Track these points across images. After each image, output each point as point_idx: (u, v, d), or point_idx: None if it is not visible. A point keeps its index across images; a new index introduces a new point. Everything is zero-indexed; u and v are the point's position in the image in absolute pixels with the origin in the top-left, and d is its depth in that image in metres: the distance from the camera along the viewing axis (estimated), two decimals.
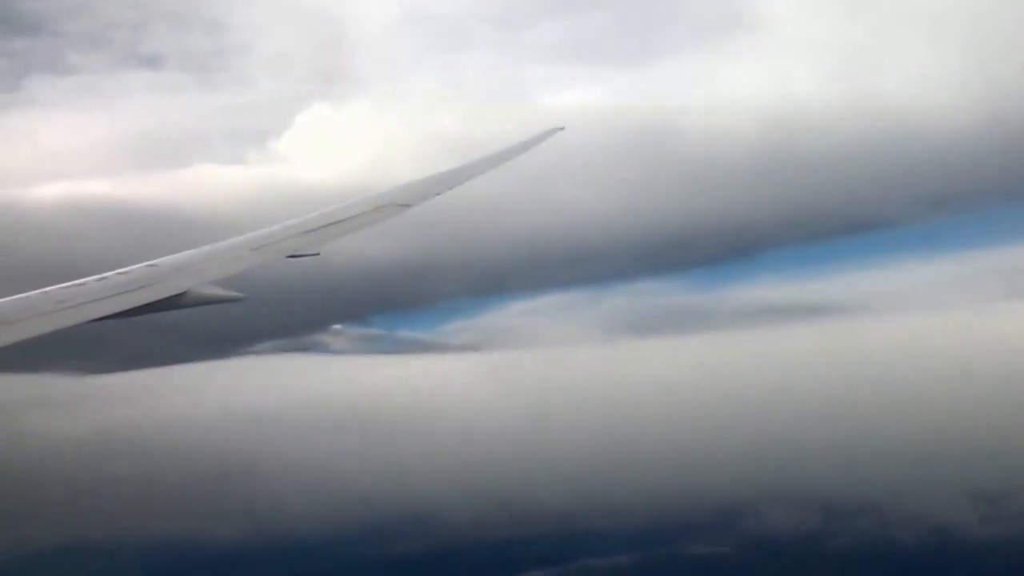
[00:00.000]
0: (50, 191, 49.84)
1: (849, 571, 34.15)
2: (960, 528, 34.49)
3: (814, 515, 36.69)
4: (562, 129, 11.99)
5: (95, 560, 34.97)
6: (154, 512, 35.37)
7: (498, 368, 47.82)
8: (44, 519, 33.86)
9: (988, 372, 39.00)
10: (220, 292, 8.33)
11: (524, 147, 11.30)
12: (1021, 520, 33.80)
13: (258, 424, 40.27)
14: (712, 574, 35.41)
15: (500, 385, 44.25)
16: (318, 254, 8.38)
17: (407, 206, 9.25)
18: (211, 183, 52.11)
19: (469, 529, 36.59)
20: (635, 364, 46.51)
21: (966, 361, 39.86)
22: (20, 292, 8.07)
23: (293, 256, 8.38)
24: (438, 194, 9.55)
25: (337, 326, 50.23)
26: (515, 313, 53.38)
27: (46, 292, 8.22)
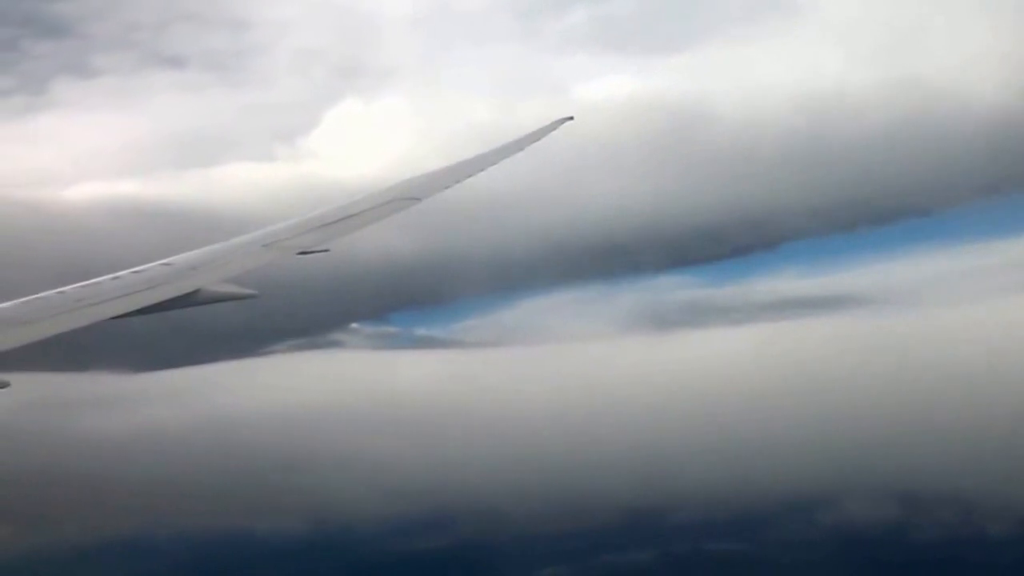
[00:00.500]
0: (81, 191, 50.41)
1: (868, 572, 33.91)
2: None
3: (833, 514, 36.50)
4: (571, 119, 11.95)
5: (137, 556, 35.52)
6: (200, 507, 35.85)
7: (518, 363, 47.80)
8: (90, 515, 34.42)
9: None
10: (233, 289, 8.41)
11: (533, 138, 11.28)
12: None
13: (297, 420, 40.65)
14: (731, 572, 35.27)
15: (520, 381, 44.23)
16: (328, 250, 8.43)
17: (417, 200, 9.28)
18: (242, 181, 52.35)
19: (487, 525, 36.65)
20: (655, 359, 46.38)
21: (1013, 348, 39.23)
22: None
23: (304, 252, 8.44)
24: (448, 187, 9.57)
25: (355, 324, 50.30)
26: (534, 309, 53.18)
27: (63, 291, 8.33)
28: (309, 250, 8.44)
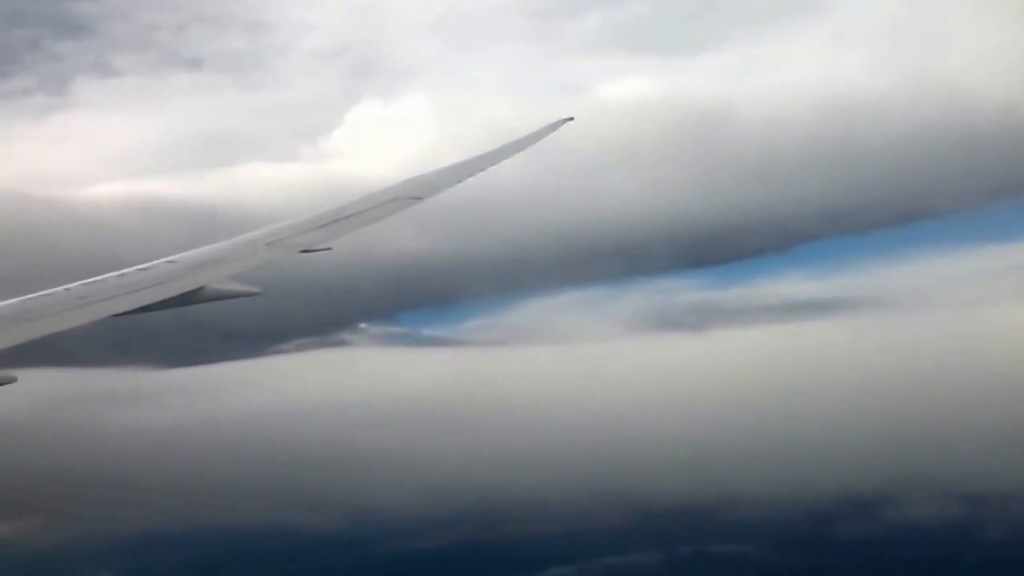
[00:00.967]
0: (104, 190, 50.91)
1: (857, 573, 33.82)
2: None
3: (839, 514, 36.39)
4: (571, 119, 11.99)
5: (150, 551, 35.81)
6: (220, 503, 36.12)
7: (525, 363, 47.82)
8: (109, 510, 34.70)
9: None
10: (237, 287, 8.47)
11: (534, 138, 11.33)
12: None
13: (315, 417, 40.93)
14: (737, 574, 35.18)
15: (526, 381, 44.24)
16: (330, 249, 8.49)
17: (419, 199, 9.33)
18: (264, 180, 52.68)
19: (492, 524, 36.71)
20: (661, 360, 46.36)
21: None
22: None
23: (306, 251, 8.50)
24: (449, 187, 9.61)
25: (363, 324, 50.44)
26: (543, 309, 53.17)
27: (69, 288, 8.42)
28: (312, 248, 8.50)
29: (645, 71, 61.86)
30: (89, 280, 8.50)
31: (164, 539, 36.85)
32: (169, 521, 36.52)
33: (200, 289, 8.23)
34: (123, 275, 8.47)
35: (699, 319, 52.72)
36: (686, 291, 54.83)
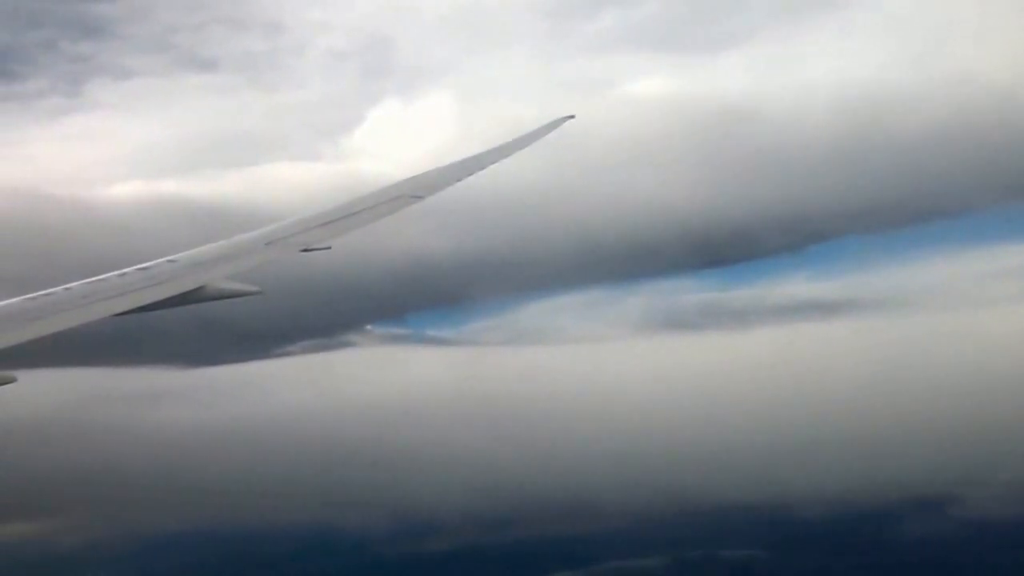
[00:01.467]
0: (124, 190, 51.12)
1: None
2: None
3: (848, 518, 36.21)
4: (572, 118, 11.97)
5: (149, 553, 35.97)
6: (234, 504, 36.25)
7: (532, 364, 47.71)
8: (127, 510, 34.90)
9: None
10: (237, 286, 8.46)
11: (534, 137, 11.32)
12: None
13: (318, 420, 41.05)
14: None
15: (532, 381, 44.16)
16: (330, 248, 8.47)
17: (420, 198, 9.31)
18: (285, 180, 52.73)
19: (496, 527, 36.65)
20: (668, 361, 46.24)
21: None
22: None
23: (306, 250, 8.48)
24: (450, 185, 9.59)
25: (369, 326, 50.42)
26: (553, 309, 53.02)
27: (69, 288, 8.42)
28: (312, 247, 8.48)
29: (665, 69, 61.60)
30: (90, 279, 8.50)
31: (170, 541, 36.97)
32: (177, 523, 36.66)
33: (200, 288, 8.22)
34: (124, 274, 8.47)
35: (708, 319, 52.55)
36: (696, 291, 54.59)
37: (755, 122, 53.24)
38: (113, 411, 37.27)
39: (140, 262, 9.02)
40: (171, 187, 50.58)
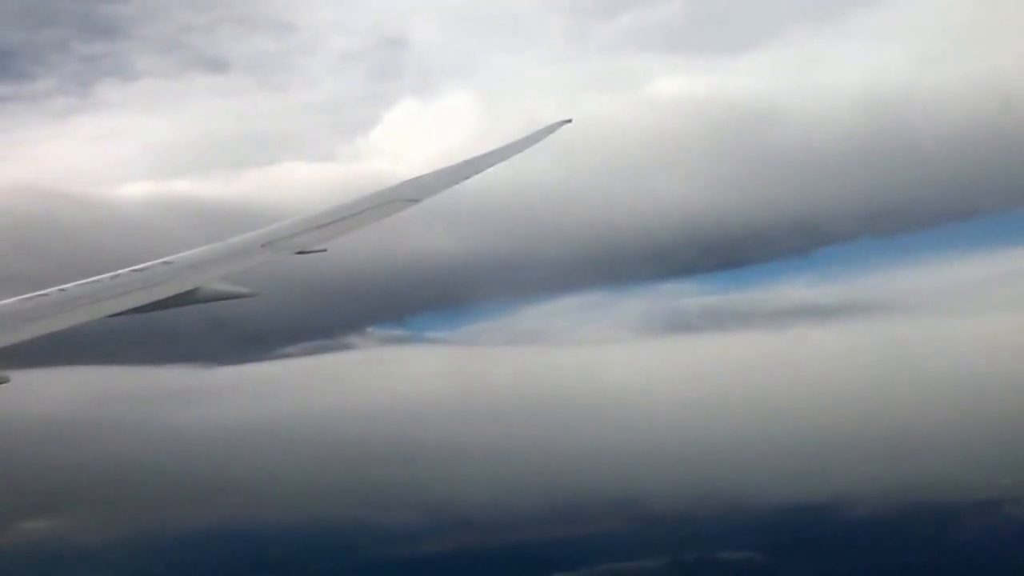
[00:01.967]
0: (137, 189, 51.12)
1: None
2: None
3: (847, 519, 36.18)
4: (569, 122, 11.94)
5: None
6: (238, 504, 36.29)
7: (533, 365, 47.68)
8: (120, 508, 34.93)
9: None
10: (231, 288, 8.42)
11: (530, 141, 11.28)
12: None
13: (317, 422, 41.06)
14: None
15: (533, 383, 44.12)
16: (325, 250, 8.44)
17: (415, 201, 9.28)
18: (300, 180, 52.65)
19: (493, 530, 36.62)
20: (671, 364, 46.23)
21: None
22: None
23: (302, 252, 8.45)
24: (445, 189, 9.57)
25: (370, 328, 50.37)
26: (550, 311, 52.96)
27: (64, 289, 8.38)
28: (307, 250, 8.45)
29: (684, 70, 61.37)
30: (84, 281, 8.46)
31: (170, 541, 36.98)
32: (175, 523, 36.65)
33: (194, 290, 8.17)
34: (117, 276, 8.42)
35: (711, 322, 52.51)
36: (701, 294, 54.54)
37: (773, 124, 53.11)
38: (113, 411, 37.27)
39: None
40: (184, 187, 50.63)
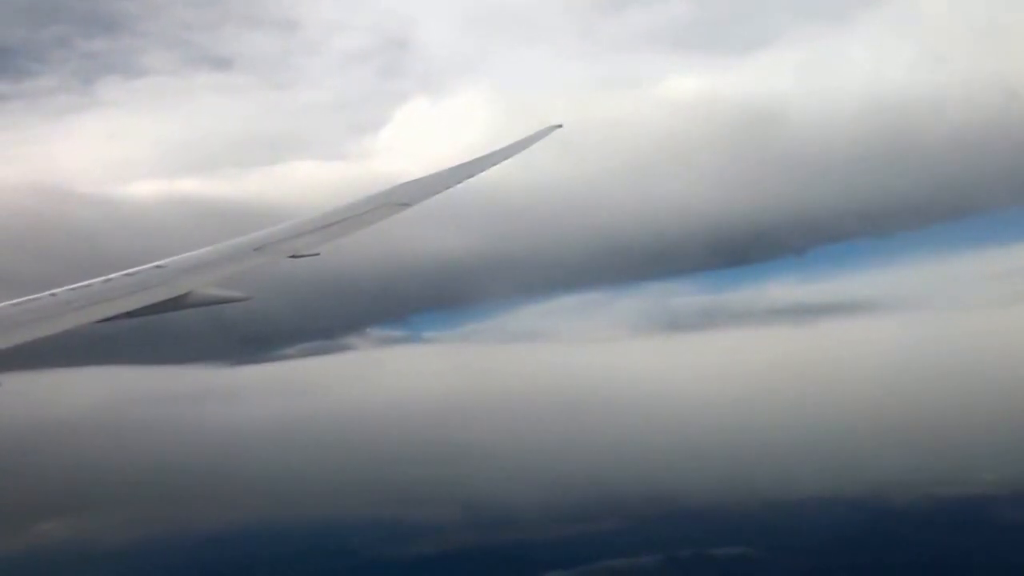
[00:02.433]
0: (145, 188, 51.01)
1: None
2: None
3: (839, 516, 36.27)
4: (560, 127, 11.90)
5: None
6: (240, 504, 36.30)
7: (532, 364, 47.74)
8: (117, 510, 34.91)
9: None
10: (223, 293, 8.38)
11: (522, 145, 11.25)
12: None
13: (316, 423, 41.09)
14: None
15: (531, 381, 44.16)
16: (318, 254, 8.42)
17: (407, 205, 9.26)
18: (308, 178, 52.57)
19: (490, 529, 36.64)
20: (668, 363, 46.32)
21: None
22: None
23: (295, 256, 8.42)
24: (438, 193, 9.54)
25: (370, 328, 50.41)
26: (555, 311, 52.99)
27: (54, 293, 8.34)
28: (300, 254, 8.42)
29: (693, 70, 61.44)
30: (76, 285, 8.42)
31: (168, 541, 36.94)
32: (173, 523, 36.64)
33: (187, 294, 8.14)
34: (109, 280, 8.38)
35: (709, 321, 52.55)
36: (700, 293, 54.59)
37: (780, 124, 53.11)
38: (112, 412, 37.28)
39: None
40: (192, 186, 50.50)
